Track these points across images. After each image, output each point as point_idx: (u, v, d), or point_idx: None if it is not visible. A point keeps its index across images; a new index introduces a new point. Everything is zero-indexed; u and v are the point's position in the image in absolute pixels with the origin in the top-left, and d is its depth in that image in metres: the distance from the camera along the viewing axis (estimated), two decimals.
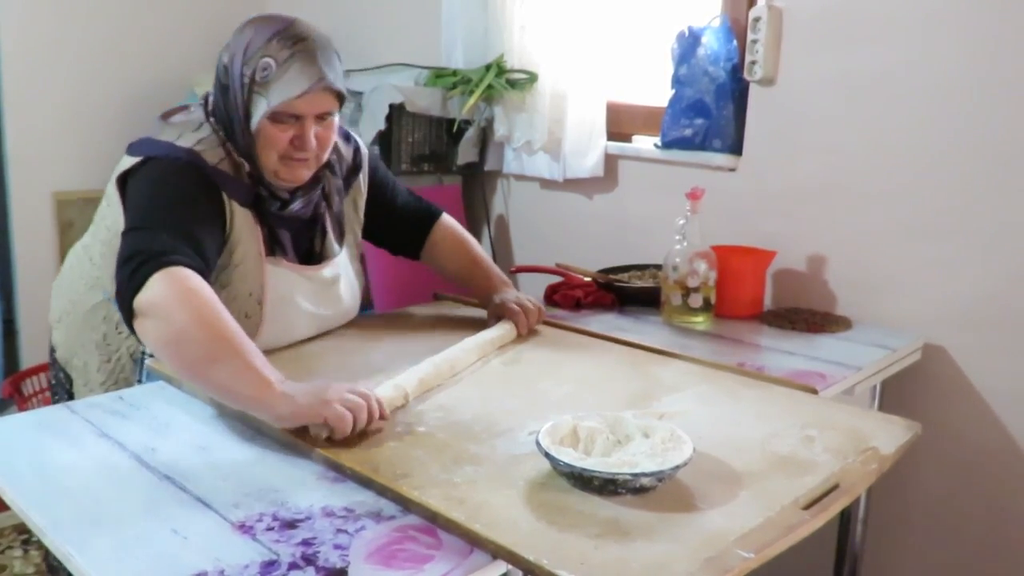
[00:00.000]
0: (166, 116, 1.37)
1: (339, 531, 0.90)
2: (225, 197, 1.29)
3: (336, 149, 1.47)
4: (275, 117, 1.28)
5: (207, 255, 1.22)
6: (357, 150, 1.54)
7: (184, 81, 2.78)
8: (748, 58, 1.91)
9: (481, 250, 1.70)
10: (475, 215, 2.57)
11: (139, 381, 1.40)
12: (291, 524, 0.91)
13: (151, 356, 1.35)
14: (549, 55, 2.24)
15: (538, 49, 2.26)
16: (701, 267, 1.68)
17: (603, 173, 2.23)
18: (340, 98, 1.33)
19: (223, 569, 0.83)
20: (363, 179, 1.55)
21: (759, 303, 1.83)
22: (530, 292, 1.88)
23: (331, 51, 1.32)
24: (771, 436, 1.13)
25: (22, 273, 2.72)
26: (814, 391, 1.35)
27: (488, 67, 2.31)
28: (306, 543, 0.88)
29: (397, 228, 1.65)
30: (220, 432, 1.14)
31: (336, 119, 1.36)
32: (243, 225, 1.32)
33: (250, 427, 1.15)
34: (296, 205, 1.37)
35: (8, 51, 2.60)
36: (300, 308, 1.42)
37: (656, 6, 2.22)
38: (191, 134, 1.31)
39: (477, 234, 2.58)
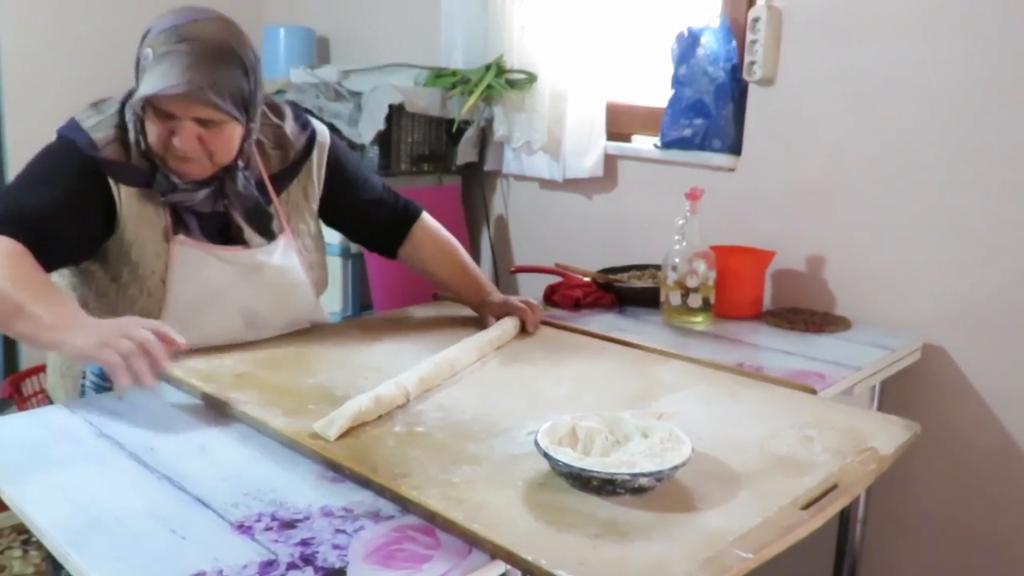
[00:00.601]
0: (97, 102, 1.38)
1: (338, 531, 0.90)
2: (111, 181, 1.31)
3: (283, 137, 1.46)
4: (152, 108, 1.27)
5: (46, 231, 1.24)
6: (312, 137, 1.51)
7: None
8: (747, 58, 1.91)
9: (465, 253, 1.69)
10: (475, 215, 2.57)
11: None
12: (290, 524, 0.91)
13: None
14: (549, 55, 2.24)
15: (538, 49, 2.26)
16: (700, 267, 1.68)
17: (603, 173, 2.23)
18: (221, 108, 1.25)
19: (221, 569, 0.83)
20: (316, 167, 1.52)
21: (758, 303, 1.83)
22: (530, 292, 1.88)
23: (224, 61, 1.26)
24: (770, 436, 1.13)
25: None
26: (813, 391, 1.35)
27: (488, 67, 2.31)
28: (305, 543, 0.88)
29: (368, 224, 1.64)
30: (219, 432, 1.14)
31: (232, 131, 1.31)
32: (134, 205, 1.32)
33: (249, 427, 1.15)
34: (177, 196, 1.34)
35: (8, 51, 2.60)
36: (215, 291, 1.39)
37: (656, 6, 2.22)
38: (95, 116, 1.33)
39: (477, 234, 2.58)
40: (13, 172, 2.62)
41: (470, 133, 2.41)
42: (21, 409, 2.24)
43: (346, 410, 1.11)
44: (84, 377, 1.41)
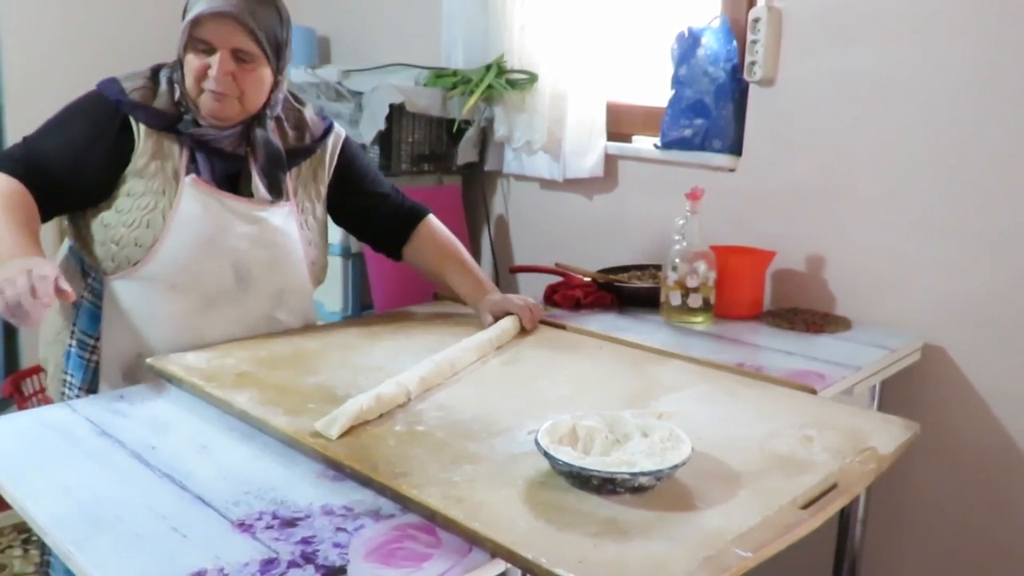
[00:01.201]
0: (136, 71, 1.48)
1: (338, 529, 0.91)
2: (133, 122, 1.39)
3: (302, 120, 1.53)
4: (192, 44, 1.37)
5: (48, 174, 1.35)
6: (330, 127, 1.58)
7: None
8: (748, 58, 1.91)
9: (467, 253, 1.70)
10: (475, 215, 2.57)
11: (72, 336, 1.45)
12: (290, 522, 0.92)
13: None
14: (549, 55, 2.24)
15: (538, 49, 2.26)
16: (700, 267, 1.68)
17: (603, 173, 2.23)
18: (257, 40, 1.36)
19: (223, 567, 0.83)
20: (329, 152, 1.58)
21: (758, 303, 1.83)
22: (530, 292, 1.89)
23: (264, 1, 1.38)
24: (770, 436, 1.13)
25: None
26: (813, 391, 1.35)
27: (488, 67, 2.31)
28: (305, 541, 0.88)
29: (375, 218, 1.66)
30: (220, 431, 1.15)
31: (263, 73, 1.40)
32: (152, 141, 1.39)
33: (250, 426, 1.15)
34: (203, 130, 1.41)
35: (9, 49, 2.61)
36: (211, 235, 1.42)
37: (656, 6, 2.22)
38: (130, 73, 1.44)
39: (477, 234, 2.58)
40: None
41: (470, 133, 2.41)
42: (21, 408, 2.24)
43: (347, 409, 1.11)
44: (72, 336, 1.43)
